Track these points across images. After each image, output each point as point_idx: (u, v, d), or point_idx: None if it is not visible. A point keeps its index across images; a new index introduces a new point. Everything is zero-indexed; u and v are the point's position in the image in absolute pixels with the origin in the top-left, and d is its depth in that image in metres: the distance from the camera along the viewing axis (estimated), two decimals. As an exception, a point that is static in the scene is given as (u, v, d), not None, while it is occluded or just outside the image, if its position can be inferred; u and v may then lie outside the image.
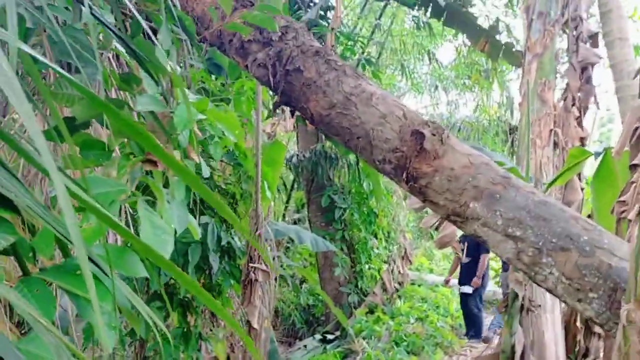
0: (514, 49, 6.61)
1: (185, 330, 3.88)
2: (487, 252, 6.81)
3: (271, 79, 2.92)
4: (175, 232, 3.56)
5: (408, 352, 5.52)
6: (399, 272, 7.91)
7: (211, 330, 4.44)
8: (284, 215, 9.86)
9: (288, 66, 2.84)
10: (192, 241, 3.68)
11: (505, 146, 9.65)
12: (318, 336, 6.96)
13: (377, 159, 2.85)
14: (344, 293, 7.87)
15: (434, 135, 2.67)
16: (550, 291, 2.51)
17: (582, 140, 4.21)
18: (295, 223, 9.50)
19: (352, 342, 5.82)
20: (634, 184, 2.25)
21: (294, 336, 9.46)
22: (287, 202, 9.93)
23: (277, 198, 9.88)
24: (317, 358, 5.17)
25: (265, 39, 2.91)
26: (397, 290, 7.85)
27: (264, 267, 3.93)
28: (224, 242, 3.82)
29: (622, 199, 2.36)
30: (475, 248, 6.85)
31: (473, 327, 6.73)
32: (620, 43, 5.65)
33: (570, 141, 4.15)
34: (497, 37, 6.68)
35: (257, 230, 4.01)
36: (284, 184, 9.30)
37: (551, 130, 4.06)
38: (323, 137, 8.00)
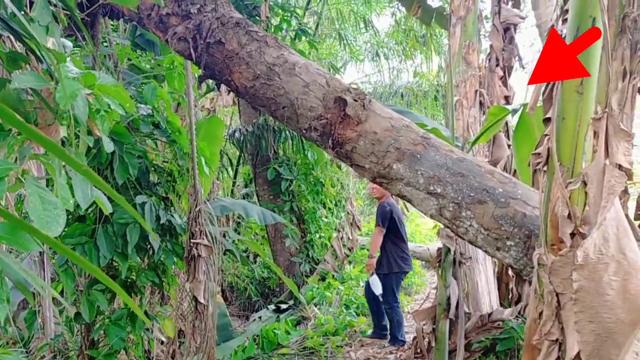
0: (444, 13, 6.72)
1: (130, 310, 3.88)
2: (381, 224, 5.44)
3: (193, 52, 2.90)
4: (112, 214, 3.49)
5: (357, 314, 5.69)
6: (349, 238, 8.08)
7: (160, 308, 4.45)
8: (232, 191, 9.83)
9: (209, 39, 2.83)
10: (130, 221, 3.65)
11: (444, 110, 9.87)
12: (272, 306, 7.07)
13: (303, 127, 2.89)
14: (296, 263, 7.99)
15: (355, 101, 2.74)
16: (472, 243, 2.65)
17: (507, 99, 4.39)
18: (244, 198, 9.50)
19: (305, 310, 5.95)
20: (547, 137, 2.38)
21: (250, 309, 9.57)
22: (235, 177, 9.90)
23: (224, 174, 9.84)
24: (271, 326, 5.26)
25: (183, 11, 2.88)
26: (347, 256, 8.03)
27: (206, 242, 3.95)
28: (163, 221, 3.81)
29: (536, 151, 2.49)
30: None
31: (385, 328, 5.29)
32: (545, 2, 5.85)
33: (496, 100, 4.32)
34: (429, 2, 6.77)
35: (196, 206, 4.01)
36: (230, 160, 9.26)
37: (476, 91, 4.21)
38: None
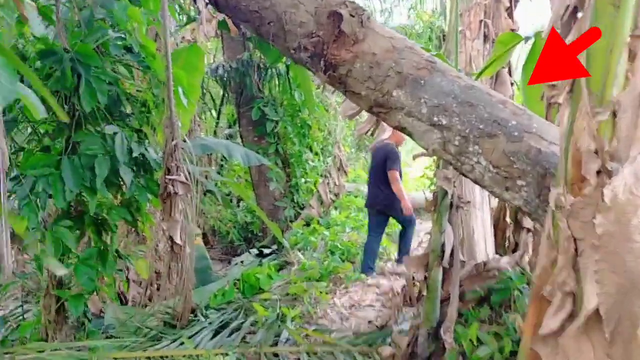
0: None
1: (101, 249, 3.61)
2: (394, 167, 5.47)
3: (164, -46, 2.51)
4: (79, 143, 3.11)
5: (343, 260, 5.50)
6: (335, 184, 7.82)
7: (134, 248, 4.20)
8: (215, 132, 9.45)
9: (183, -62, 2.42)
10: (98, 152, 3.32)
11: (439, 51, 9.41)
12: (255, 251, 6.87)
13: (291, 46, 2.55)
14: (280, 207, 7.74)
15: (352, 16, 2.38)
16: (477, 182, 2.37)
17: (513, 32, 4.03)
18: (227, 139, 9.14)
19: (288, 254, 5.74)
20: (565, 67, 2.06)
21: (232, 254, 9.41)
22: (218, 117, 9.50)
23: (207, 114, 9.42)
24: (253, 271, 5.04)
25: None
26: (333, 202, 7.79)
27: (183, 179, 3.64)
28: (136, 154, 3.48)
29: (552, 82, 2.18)
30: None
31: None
32: None
33: (501, 33, 3.97)
34: None
35: (173, 139, 3.68)
36: (212, 99, 8.82)
37: (481, 21, 3.85)
38: (250, 45, 7.52)
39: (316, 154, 8.35)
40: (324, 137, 8.78)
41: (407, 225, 5.72)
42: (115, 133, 3.41)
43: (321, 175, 8.32)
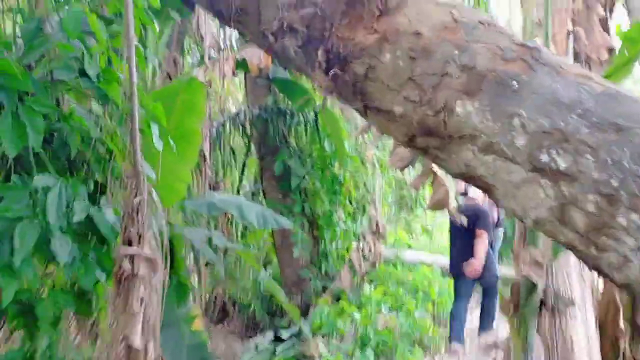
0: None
1: (27, 354, 2.53)
2: (485, 227, 5.33)
3: None
4: None
5: (377, 355, 4.25)
6: (370, 250, 6.60)
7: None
8: (238, 190, 8.46)
9: None
10: (24, 215, 2.32)
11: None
12: (270, 334, 5.65)
13: (268, 28, 1.44)
14: (306, 278, 6.56)
15: (377, -32, 1.32)
16: (630, 286, 1.19)
17: (610, 52, 2.88)
18: (252, 197, 8.13)
19: (308, 344, 4.52)
20: None
21: (253, 328, 8.23)
22: (242, 172, 8.53)
23: (231, 169, 8.47)
24: (259, 370, 3.88)
25: None
26: (368, 272, 6.55)
27: (147, 253, 2.59)
28: (79, 218, 2.46)
29: None
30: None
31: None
32: None
33: (594, 52, 2.84)
34: None
35: (136, 195, 2.65)
36: (232, 151, 7.89)
37: (569, 33, 2.73)
38: (276, 90, 6.61)
39: (349, 214, 7.18)
40: (359, 195, 7.64)
41: (491, 294, 5.50)
42: (47, 187, 2.40)
43: (354, 239, 7.14)
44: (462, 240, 5.35)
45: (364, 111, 1.30)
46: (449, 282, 6.95)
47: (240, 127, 6.65)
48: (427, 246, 10.77)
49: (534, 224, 1.13)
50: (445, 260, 8.51)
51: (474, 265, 5.19)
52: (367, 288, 6.00)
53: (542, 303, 1.97)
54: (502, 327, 5.62)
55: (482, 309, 5.56)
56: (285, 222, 4.48)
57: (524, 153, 1.10)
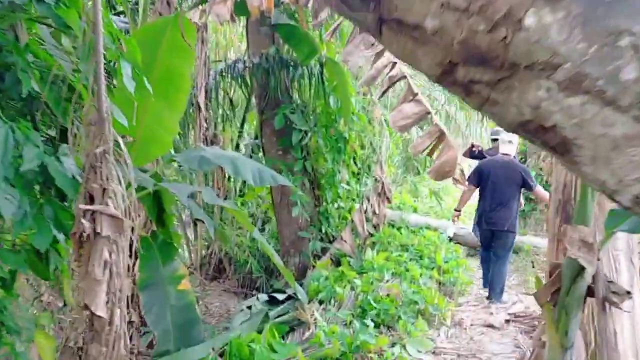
0: None
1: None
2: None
3: None
4: None
5: (377, 324, 3.94)
6: (374, 212, 6.26)
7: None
8: (237, 145, 8.05)
9: None
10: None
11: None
12: (264, 296, 5.36)
13: None
14: (305, 239, 6.24)
15: None
16: None
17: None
18: (252, 153, 7.74)
19: (303, 311, 4.22)
20: None
21: (251, 286, 8.00)
22: (242, 126, 8.11)
23: (230, 121, 8.04)
24: (247, 337, 3.57)
25: None
26: (371, 235, 6.22)
27: (112, 211, 2.23)
28: (30, 166, 2.08)
29: None
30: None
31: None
32: None
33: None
34: None
35: (100, 143, 2.26)
36: (231, 103, 7.44)
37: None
38: (280, 39, 6.12)
39: (353, 174, 6.80)
40: (364, 155, 7.24)
41: (506, 254, 5.59)
42: (-7, 129, 2.02)
43: (358, 200, 6.79)
44: (502, 195, 5.44)
45: (378, 28, 0.89)
46: (455, 248, 6.64)
47: (239, 78, 6.19)
48: (433, 210, 10.43)
49: (633, 203, 0.73)
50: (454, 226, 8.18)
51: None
52: (369, 253, 5.68)
53: (588, 294, 1.61)
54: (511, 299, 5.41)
55: (495, 273, 5.53)
56: (283, 179, 4.12)
57: (632, 94, 0.69)
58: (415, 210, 8.64)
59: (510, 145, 5.61)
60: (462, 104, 12.54)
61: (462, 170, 5.26)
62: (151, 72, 3.34)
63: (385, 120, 7.57)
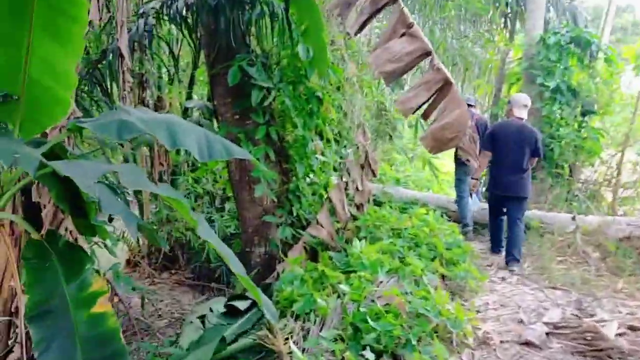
0: None
1: None
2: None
3: None
4: None
5: (378, 354, 2.80)
6: (357, 188, 5.06)
7: None
8: (186, 110, 6.67)
9: None
10: None
11: None
12: (220, 306, 4.11)
13: None
14: (272, 224, 5.01)
15: None
16: None
17: None
18: (203, 116, 6.37)
19: (272, 334, 3.02)
20: None
21: (209, 277, 6.85)
22: (190, 87, 6.72)
23: (175, 79, 6.62)
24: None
25: None
26: (354, 218, 5.04)
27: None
28: None
29: None
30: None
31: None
32: None
33: None
34: None
35: None
36: (172, 53, 6.01)
37: None
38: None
39: (328, 141, 5.54)
40: (340, 119, 5.99)
41: (522, 218, 5.57)
42: None
43: (335, 174, 5.59)
44: (519, 159, 5.37)
45: None
46: (453, 228, 5.55)
47: (180, 21, 4.80)
48: (411, 179, 9.35)
49: None
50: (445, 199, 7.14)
51: None
52: (356, 244, 4.46)
53: None
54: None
55: (511, 237, 5.46)
56: (240, 151, 2.87)
57: None
58: (397, 182, 7.49)
59: (525, 109, 5.52)
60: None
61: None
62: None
63: (357, 79, 6.33)
